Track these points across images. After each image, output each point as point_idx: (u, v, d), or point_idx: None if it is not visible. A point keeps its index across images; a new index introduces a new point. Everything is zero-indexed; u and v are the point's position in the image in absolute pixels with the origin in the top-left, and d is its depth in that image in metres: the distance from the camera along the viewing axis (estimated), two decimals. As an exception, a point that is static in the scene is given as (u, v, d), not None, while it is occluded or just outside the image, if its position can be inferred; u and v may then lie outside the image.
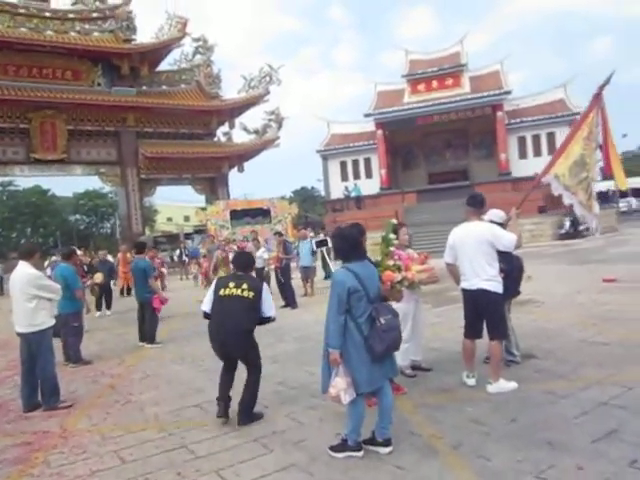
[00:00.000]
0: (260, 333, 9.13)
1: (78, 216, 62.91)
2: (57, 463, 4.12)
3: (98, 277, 11.05)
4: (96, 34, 28.37)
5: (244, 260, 4.97)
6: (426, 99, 33.98)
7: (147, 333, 8.64)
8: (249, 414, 4.63)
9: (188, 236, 33.87)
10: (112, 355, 8.18)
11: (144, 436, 4.53)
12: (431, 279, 5.15)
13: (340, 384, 3.62)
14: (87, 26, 28.28)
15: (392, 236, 4.94)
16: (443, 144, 37.18)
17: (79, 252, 10.30)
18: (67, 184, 71.90)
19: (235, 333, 4.58)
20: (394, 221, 5.13)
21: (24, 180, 53.60)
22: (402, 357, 5.38)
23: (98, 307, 12.39)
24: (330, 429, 4.30)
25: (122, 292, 16.70)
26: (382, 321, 3.61)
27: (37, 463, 4.17)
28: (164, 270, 15.51)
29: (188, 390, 5.84)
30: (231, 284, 4.65)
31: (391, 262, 4.76)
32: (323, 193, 64.15)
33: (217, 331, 4.63)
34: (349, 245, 3.80)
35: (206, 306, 4.75)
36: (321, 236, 15.70)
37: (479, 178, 32.92)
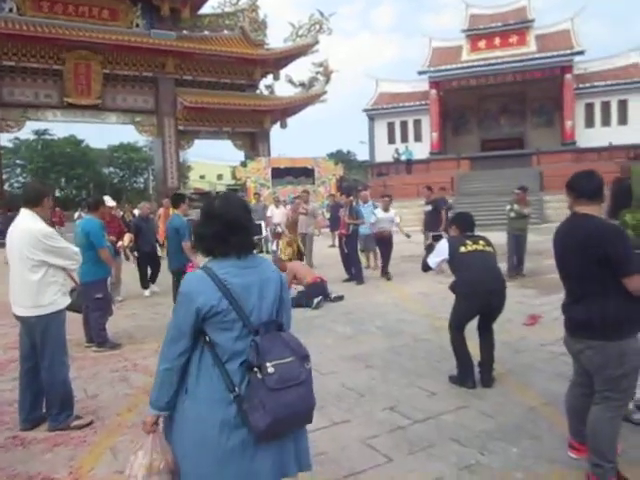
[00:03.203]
0: (331, 317, 7.12)
1: (112, 169, 61.88)
2: None
3: (127, 238, 8.38)
4: (135, -30, 26.21)
5: (472, 220, 4.71)
6: (487, 57, 31.23)
7: None
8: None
9: (221, 195, 32.14)
10: (147, 336, 6.44)
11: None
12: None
13: (139, 468, 1.99)
14: (125, -38, 26.13)
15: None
16: (498, 109, 34.44)
17: (111, 204, 8.22)
18: (101, 136, 70.58)
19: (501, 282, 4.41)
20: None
21: (58, 129, 52.56)
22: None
23: (144, 284, 9.46)
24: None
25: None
26: (269, 369, 1.86)
27: None
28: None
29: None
30: (468, 241, 4.45)
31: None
32: (360, 157, 62.08)
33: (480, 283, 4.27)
34: (220, 228, 2.00)
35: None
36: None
37: (537, 147, 30.28)
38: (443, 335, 5.21)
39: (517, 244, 9.45)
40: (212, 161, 57.28)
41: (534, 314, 6.50)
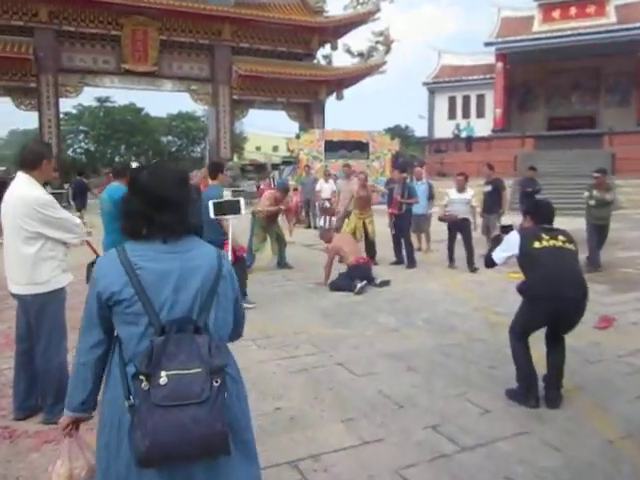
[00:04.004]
0: (374, 305, 6.36)
1: (170, 137, 62.69)
2: None
3: None
4: None
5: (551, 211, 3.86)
6: (561, 28, 29.06)
7: None
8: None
9: (275, 167, 31.92)
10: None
11: None
12: None
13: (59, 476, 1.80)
14: None
15: None
16: (569, 85, 32.19)
17: None
18: (160, 104, 71.07)
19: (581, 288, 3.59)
20: None
21: (119, 96, 53.33)
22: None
23: None
24: None
25: None
26: (162, 380, 1.50)
27: None
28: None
29: (280, 415, 3.49)
30: (545, 235, 3.66)
31: None
32: (418, 134, 60.14)
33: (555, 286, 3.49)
34: (144, 204, 1.67)
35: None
36: (506, 220, 7.03)
37: (609, 126, 28.15)
38: (500, 334, 4.52)
39: (600, 235, 8.41)
40: (268, 132, 57.07)
41: (607, 315, 5.65)
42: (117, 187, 5.65)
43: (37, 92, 23.35)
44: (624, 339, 4.97)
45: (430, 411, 3.51)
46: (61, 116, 30.06)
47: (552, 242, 3.61)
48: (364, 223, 9.18)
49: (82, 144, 58.82)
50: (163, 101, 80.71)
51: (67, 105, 52.69)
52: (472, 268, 8.52)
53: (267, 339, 5.08)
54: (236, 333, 1.92)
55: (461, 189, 9.04)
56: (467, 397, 3.73)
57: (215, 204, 3.27)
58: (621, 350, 4.66)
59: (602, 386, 3.93)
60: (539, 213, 3.86)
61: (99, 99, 54.07)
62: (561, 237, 3.67)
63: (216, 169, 6.60)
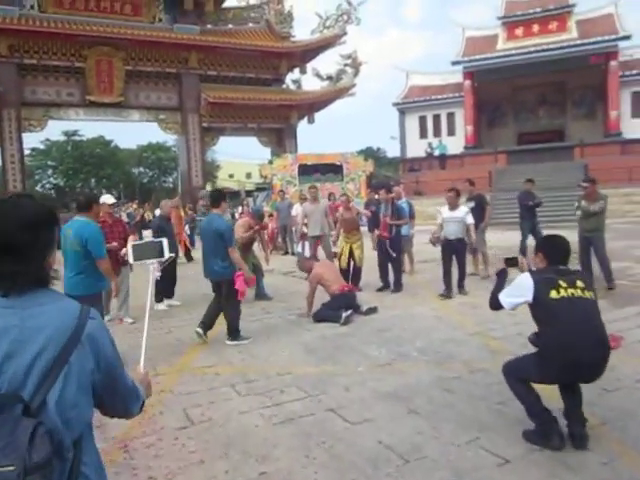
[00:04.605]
0: (362, 336, 5.82)
1: (141, 169, 61.97)
2: None
3: (131, 241, 6.42)
4: (157, -37, 25.50)
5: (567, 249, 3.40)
6: (525, 45, 29.59)
7: (228, 325, 5.97)
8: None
9: (249, 193, 31.54)
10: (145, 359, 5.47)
11: None
12: None
13: None
14: (148, -45, 25.43)
15: None
16: (536, 100, 32.82)
17: (110, 201, 7.06)
18: (130, 136, 70.54)
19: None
20: None
21: (87, 130, 52.63)
22: None
23: (158, 297, 8.04)
24: None
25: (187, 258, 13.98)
26: None
27: None
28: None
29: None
30: (562, 282, 3.17)
31: None
32: (390, 154, 60.72)
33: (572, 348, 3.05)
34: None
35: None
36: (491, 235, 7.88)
37: (578, 139, 28.52)
38: (502, 362, 4.06)
39: (595, 248, 8.08)
40: (241, 159, 56.79)
41: (614, 334, 5.24)
42: (86, 223, 5.08)
43: (-1, 127, 22.65)
44: (636, 360, 4.58)
45: (441, 464, 3.02)
46: (28, 152, 29.40)
47: (571, 291, 3.13)
48: (351, 248, 8.63)
49: (51, 179, 57.80)
50: (133, 132, 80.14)
51: (34, 140, 51.79)
52: (463, 291, 8.12)
53: (248, 384, 4.54)
54: (119, 411, 1.55)
55: (453, 206, 8.25)
56: (480, 443, 3.25)
57: (134, 246, 2.82)
58: (638, 374, 4.26)
59: (628, 419, 3.49)
60: (554, 252, 3.36)
61: (66, 133, 53.25)
62: (579, 283, 3.20)
63: (219, 198, 6.20)
